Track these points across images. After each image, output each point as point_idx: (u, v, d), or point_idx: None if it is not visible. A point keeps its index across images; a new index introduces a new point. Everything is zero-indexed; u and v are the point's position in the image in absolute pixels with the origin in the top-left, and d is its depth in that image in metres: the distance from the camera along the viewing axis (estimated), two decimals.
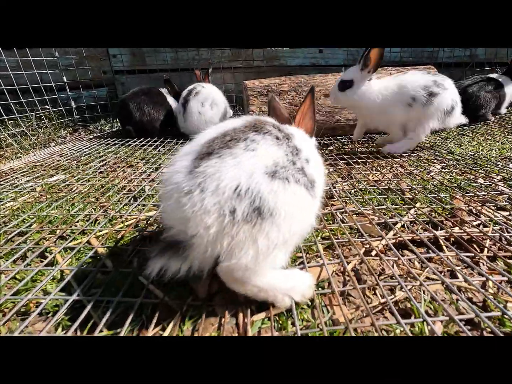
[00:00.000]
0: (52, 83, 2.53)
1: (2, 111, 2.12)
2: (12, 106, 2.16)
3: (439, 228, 0.97)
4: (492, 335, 0.61)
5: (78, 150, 2.09)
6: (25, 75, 2.27)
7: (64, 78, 2.65)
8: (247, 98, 2.28)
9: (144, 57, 2.90)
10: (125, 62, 2.90)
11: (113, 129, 2.77)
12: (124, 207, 1.18)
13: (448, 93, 1.67)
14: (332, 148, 2.13)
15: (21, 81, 2.31)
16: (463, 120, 1.78)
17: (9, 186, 1.40)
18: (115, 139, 2.38)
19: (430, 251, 0.86)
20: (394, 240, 0.91)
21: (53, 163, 1.79)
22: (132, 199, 1.25)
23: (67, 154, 2.01)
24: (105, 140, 2.40)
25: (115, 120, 2.88)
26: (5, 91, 2.14)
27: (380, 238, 0.92)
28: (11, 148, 2.21)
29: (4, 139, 2.20)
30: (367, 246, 0.90)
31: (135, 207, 1.16)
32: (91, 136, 2.57)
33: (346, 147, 2.14)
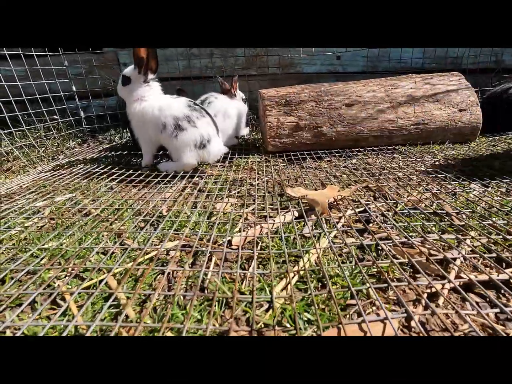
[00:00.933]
0: (61, 93, 2.45)
1: (9, 122, 2.04)
2: (20, 117, 2.08)
3: (506, 264, 0.85)
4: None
5: (88, 165, 2.00)
6: (33, 85, 2.19)
7: (73, 87, 2.58)
8: (263, 108, 2.17)
9: None
10: None
11: (123, 140, 2.68)
12: (142, 235, 1.07)
13: (197, 130, 1.72)
14: (355, 160, 2.01)
15: (29, 90, 2.24)
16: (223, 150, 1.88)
17: (17, 208, 1.30)
18: (125, 151, 2.30)
19: (501, 295, 0.74)
20: (458, 282, 0.79)
21: (61, 180, 1.70)
22: (149, 222, 1.15)
23: (76, 168, 1.92)
24: (116, 152, 2.31)
25: (124, 130, 2.79)
26: (13, 102, 2.06)
27: (442, 278, 0.80)
28: (18, 161, 2.12)
29: (11, 151, 2.12)
30: (429, 290, 0.78)
31: (155, 235, 1.06)
32: (100, 148, 2.48)
33: (370, 159, 2.02)
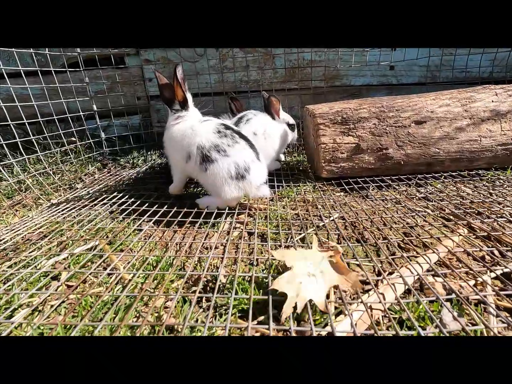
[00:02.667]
0: (81, 112, 2.23)
1: (21, 147, 1.81)
2: (34, 141, 1.85)
3: None
4: None
5: (110, 195, 1.73)
6: (50, 104, 1.97)
7: (94, 106, 2.37)
8: (315, 127, 1.88)
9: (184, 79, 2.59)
10: None
11: (148, 163, 2.43)
12: (194, 315, 0.76)
13: (230, 159, 1.45)
14: (431, 189, 1.68)
15: (45, 110, 2.03)
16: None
17: (25, 272, 1.02)
18: (151, 177, 2.03)
19: None
20: None
21: (80, 219, 1.43)
22: (201, 289, 0.84)
23: (97, 200, 1.65)
24: (141, 178, 2.05)
25: (149, 153, 2.55)
26: (26, 124, 1.83)
27: None
28: (30, 191, 1.88)
29: (22, 181, 1.88)
30: None
31: (212, 317, 0.75)
32: (123, 174, 2.23)
33: (451, 187, 1.68)
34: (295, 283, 0.82)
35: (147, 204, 1.56)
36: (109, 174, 2.28)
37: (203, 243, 1.22)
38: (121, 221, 1.43)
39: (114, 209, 1.53)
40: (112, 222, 1.42)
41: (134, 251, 1.18)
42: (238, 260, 1.05)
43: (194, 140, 1.48)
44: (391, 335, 0.73)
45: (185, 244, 1.23)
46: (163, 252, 1.19)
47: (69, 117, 2.11)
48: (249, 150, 1.50)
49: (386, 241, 1.20)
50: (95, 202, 1.66)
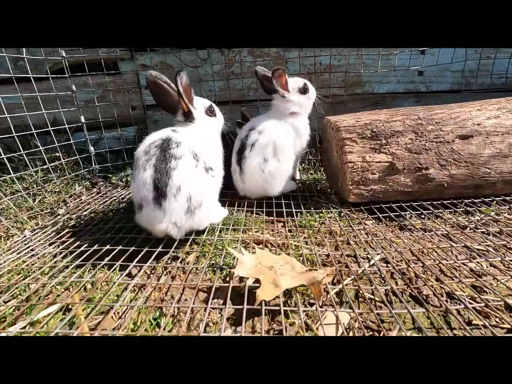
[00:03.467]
0: (66, 124, 1.97)
1: None
2: (6, 160, 1.58)
3: None
4: None
5: (95, 227, 1.45)
6: (28, 116, 1.71)
7: (82, 117, 2.10)
8: (340, 143, 1.61)
9: None
10: None
11: None
12: None
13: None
14: (483, 217, 1.40)
15: (26, 122, 1.76)
16: None
17: None
18: None
19: None
20: None
21: (53, 262, 1.15)
22: None
23: (78, 235, 1.37)
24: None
25: None
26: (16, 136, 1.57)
27: None
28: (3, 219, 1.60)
29: None
30: None
31: None
32: (114, 194, 1.96)
33: (505, 217, 1.40)
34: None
35: (140, 241, 1.28)
36: (98, 195, 2.01)
37: (208, 305, 0.93)
38: (104, 266, 1.15)
39: (98, 248, 1.24)
40: (93, 269, 1.13)
41: (120, 316, 0.90)
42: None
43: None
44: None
45: (185, 302, 0.95)
46: (154, 325, 0.91)
47: (51, 130, 1.84)
48: (149, 187, 1.17)
49: (455, 302, 0.91)
50: (76, 236, 1.39)
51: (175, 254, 1.24)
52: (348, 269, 1.09)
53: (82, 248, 1.22)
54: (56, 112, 1.98)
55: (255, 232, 1.45)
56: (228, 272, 1.12)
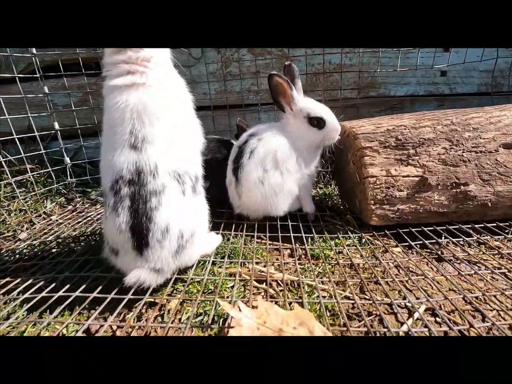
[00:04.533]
0: (35, 132, 1.70)
1: None
2: None
3: None
4: None
5: (60, 256, 1.18)
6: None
7: (56, 124, 1.83)
8: (358, 153, 1.35)
9: None
10: None
11: None
12: None
13: None
14: None
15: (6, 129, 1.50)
16: None
17: None
18: None
19: None
20: None
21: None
22: None
23: (35, 275, 1.10)
24: None
25: None
26: None
27: None
28: None
29: None
30: None
31: None
32: (92, 212, 1.68)
33: None
34: None
35: (106, 283, 1.00)
36: (72, 214, 1.73)
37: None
38: (59, 315, 0.87)
39: (46, 295, 0.95)
40: (38, 325, 0.84)
41: None
42: None
43: None
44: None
45: None
46: None
47: (16, 139, 1.57)
48: (127, 234, 0.90)
49: None
50: (27, 274, 1.10)
51: (153, 299, 0.96)
52: (384, 328, 0.80)
53: (26, 295, 0.93)
54: (35, 117, 1.71)
55: (257, 263, 1.16)
56: (220, 328, 0.84)
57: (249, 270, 1.11)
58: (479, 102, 2.01)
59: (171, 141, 0.97)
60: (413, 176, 1.32)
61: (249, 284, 1.05)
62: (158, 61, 0.99)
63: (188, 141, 1.06)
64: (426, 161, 1.32)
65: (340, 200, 1.75)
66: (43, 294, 0.92)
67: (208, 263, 1.13)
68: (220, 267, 1.14)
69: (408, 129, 1.36)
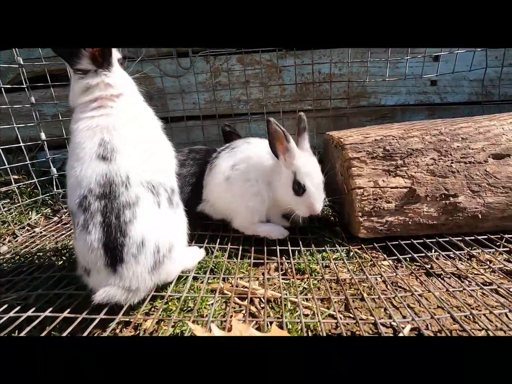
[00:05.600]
0: (21, 143, 1.66)
1: None
2: None
3: None
4: None
5: (29, 282, 1.14)
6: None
7: (42, 134, 1.80)
8: (346, 164, 1.32)
9: (166, 99, 2.04)
10: None
11: None
12: None
13: None
14: None
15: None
16: None
17: None
18: None
19: None
20: None
21: None
22: None
23: (9, 298, 1.05)
24: None
25: None
26: None
27: None
28: None
29: None
30: None
31: None
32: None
33: None
34: None
35: (78, 302, 0.95)
36: (58, 225, 1.68)
37: None
38: (27, 335, 0.82)
39: (14, 315, 0.91)
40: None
41: None
42: None
43: None
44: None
45: None
46: None
47: (0, 149, 1.53)
48: (99, 252, 0.85)
49: None
50: (4, 291, 1.05)
51: (128, 318, 0.91)
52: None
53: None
54: (24, 127, 1.69)
55: (241, 278, 1.12)
56: None
57: (233, 286, 1.07)
58: (470, 111, 2.00)
59: (143, 152, 0.95)
60: (401, 188, 1.28)
61: (230, 301, 1.01)
62: (127, 95, 1.03)
63: (160, 154, 1.04)
64: (415, 172, 1.29)
65: (330, 211, 1.72)
66: (11, 314, 0.88)
67: (189, 278, 1.09)
68: (201, 282, 1.10)
69: (396, 140, 1.34)
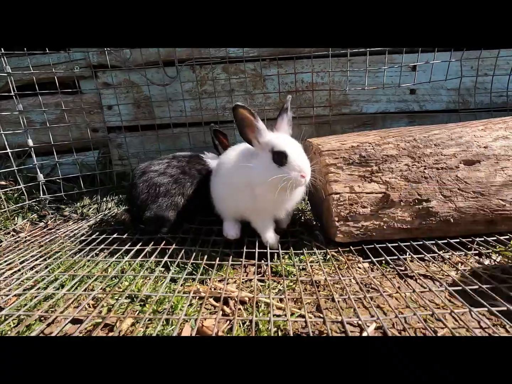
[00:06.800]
0: (8, 149, 1.68)
1: None
2: None
3: None
4: None
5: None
6: None
7: (30, 141, 1.81)
8: (324, 170, 1.35)
9: (152, 107, 2.08)
10: (124, 115, 2.10)
11: (100, 214, 1.85)
12: None
13: None
14: (496, 262, 1.13)
15: None
16: None
17: None
18: (96, 240, 1.45)
19: None
20: None
21: None
22: None
23: None
24: (81, 240, 1.47)
25: (105, 199, 1.97)
26: None
27: None
28: None
29: None
30: None
31: None
32: (63, 230, 1.64)
33: None
34: None
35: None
36: (44, 230, 1.69)
37: None
38: None
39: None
40: None
41: None
42: None
43: None
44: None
45: None
46: None
47: None
48: None
49: None
50: None
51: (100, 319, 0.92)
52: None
53: None
54: (13, 134, 1.71)
55: (220, 280, 1.14)
56: None
57: (210, 288, 1.09)
58: (448, 119, 2.05)
59: None
60: (376, 193, 1.32)
61: (207, 302, 1.03)
62: None
63: None
64: (389, 178, 1.32)
65: (310, 214, 1.75)
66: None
67: (165, 279, 1.11)
68: (182, 284, 1.12)
69: (372, 146, 1.37)
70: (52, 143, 1.86)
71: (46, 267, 1.24)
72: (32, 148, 1.82)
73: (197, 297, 1.04)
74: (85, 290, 1.08)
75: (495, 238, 1.29)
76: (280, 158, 1.17)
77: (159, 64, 1.94)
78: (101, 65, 2.03)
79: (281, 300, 1.02)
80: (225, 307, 1.00)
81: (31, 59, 2.05)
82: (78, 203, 1.97)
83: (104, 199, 2.00)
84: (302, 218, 1.77)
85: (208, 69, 2.03)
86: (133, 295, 1.03)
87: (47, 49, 1.76)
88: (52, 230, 1.70)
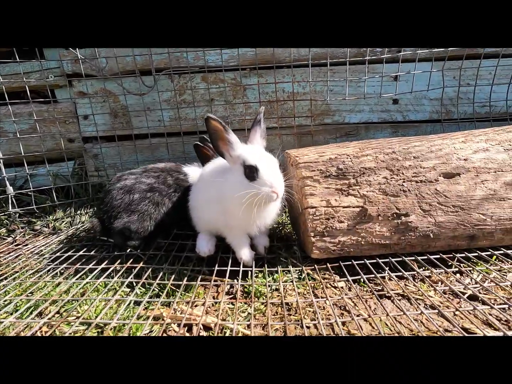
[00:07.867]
0: None
1: None
2: None
3: None
4: None
5: None
6: None
7: None
8: (300, 183, 1.29)
9: (129, 117, 2.01)
10: (100, 125, 2.03)
11: (73, 227, 1.76)
12: None
13: None
14: (477, 280, 1.08)
15: None
16: None
17: None
18: (63, 257, 1.37)
19: None
20: None
21: None
22: None
23: None
24: (50, 256, 1.39)
25: (79, 212, 1.89)
26: None
27: None
28: None
29: None
30: None
31: None
32: (30, 246, 1.56)
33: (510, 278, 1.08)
34: None
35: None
36: (11, 245, 1.61)
37: None
38: None
39: None
40: None
41: None
42: None
43: None
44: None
45: None
46: None
47: None
48: None
49: None
50: None
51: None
52: None
53: None
54: None
55: (187, 303, 1.06)
56: None
57: (176, 312, 1.02)
58: (432, 129, 2.02)
59: None
60: (353, 207, 1.26)
61: (170, 329, 0.96)
62: None
63: None
64: (367, 191, 1.27)
65: (291, 228, 1.68)
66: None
67: (127, 301, 1.03)
68: (146, 307, 1.04)
69: (350, 158, 1.32)
70: (23, 154, 1.78)
71: (2, 289, 1.16)
72: (1, 160, 1.74)
73: (159, 324, 0.96)
74: (39, 314, 1.01)
75: (477, 254, 1.24)
76: (251, 172, 1.13)
77: (135, 73, 1.88)
78: (76, 74, 1.96)
79: (248, 326, 0.95)
80: (187, 334, 0.93)
81: (4, 67, 1.98)
82: (50, 217, 1.89)
83: (79, 212, 1.91)
84: (282, 231, 1.70)
85: (186, 78, 1.97)
86: (89, 322, 0.96)
87: (17, 57, 1.69)
88: (20, 246, 1.62)
